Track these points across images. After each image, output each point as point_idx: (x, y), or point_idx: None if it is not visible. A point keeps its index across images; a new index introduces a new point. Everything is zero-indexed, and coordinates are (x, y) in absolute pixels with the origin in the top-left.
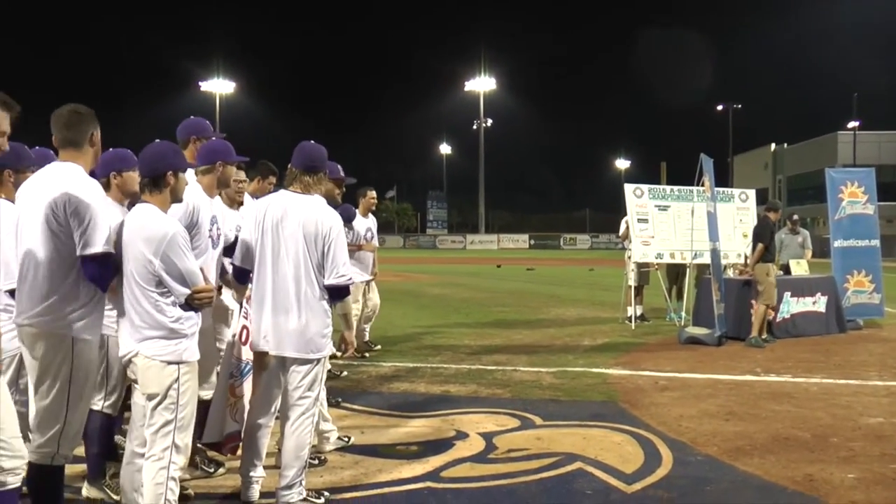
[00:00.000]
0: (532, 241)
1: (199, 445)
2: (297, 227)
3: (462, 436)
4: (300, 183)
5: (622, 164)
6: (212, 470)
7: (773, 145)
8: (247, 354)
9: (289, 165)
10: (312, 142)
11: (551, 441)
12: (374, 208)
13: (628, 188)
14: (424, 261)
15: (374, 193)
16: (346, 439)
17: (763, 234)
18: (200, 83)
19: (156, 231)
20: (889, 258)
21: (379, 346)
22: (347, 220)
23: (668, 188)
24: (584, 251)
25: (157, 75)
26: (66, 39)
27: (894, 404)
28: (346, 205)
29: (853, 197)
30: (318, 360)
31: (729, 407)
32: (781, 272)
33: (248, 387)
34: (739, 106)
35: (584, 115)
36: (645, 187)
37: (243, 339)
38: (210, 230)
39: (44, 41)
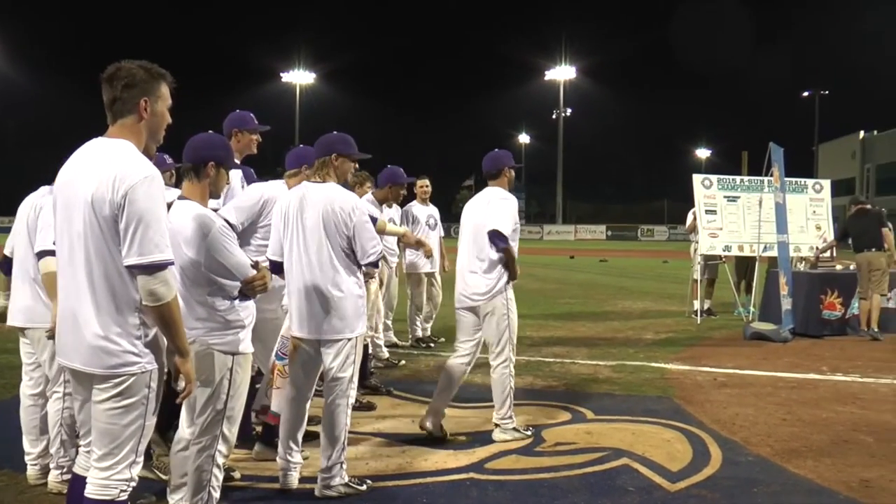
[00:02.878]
0: (609, 232)
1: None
2: (317, 214)
3: None
4: (317, 172)
5: (703, 153)
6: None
7: (861, 133)
8: None
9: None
10: (334, 132)
11: (600, 436)
12: (427, 196)
13: (697, 178)
14: None
15: (426, 181)
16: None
17: (883, 223)
18: (282, 74)
19: (195, 231)
20: None
21: (443, 339)
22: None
23: (738, 178)
24: (662, 242)
25: (239, 67)
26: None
27: None
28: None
29: None
30: (349, 340)
31: (788, 406)
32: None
33: None
34: (826, 92)
35: (665, 104)
36: (714, 178)
37: None
38: None
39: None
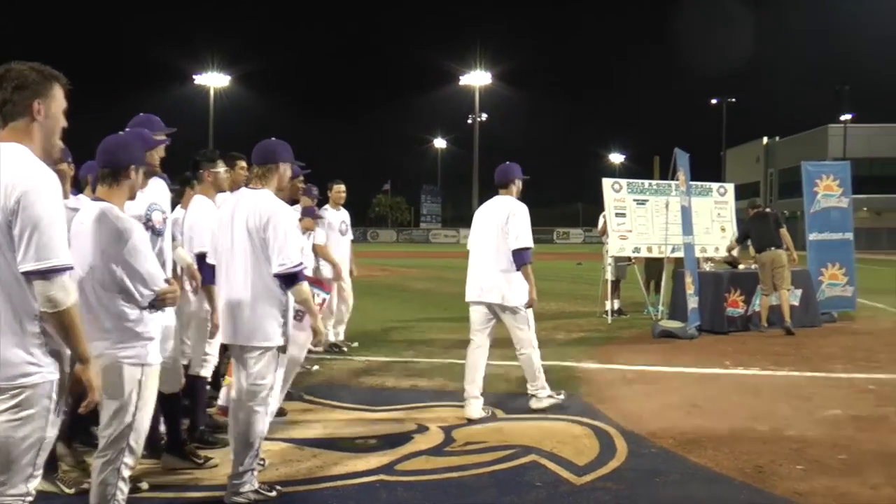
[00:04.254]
0: None
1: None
2: (243, 220)
3: (422, 429)
4: (254, 178)
5: (617, 158)
6: (201, 461)
7: (765, 139)
8: None
9: None
10: (272, 138)
11: (510, 434)
12: (342, 201)
13: (606, 182)
14: (415, 255)
15: (341, 186)
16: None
17: (781, 223)
18: (195, 76)
19: (113, 234)
20: (875, 250)
21: (356, 343)
22: (306, 215)
23: (647, 182)
24: (577, 245)
25: (150, 69)
26: (58, 31)
27: (853, 396)
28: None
29: (828, 190)
30: (268, 349)
31: (692, 400)
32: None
33: None
34: (734, 100)
35: (579, 110)
36: (623, 182)
37: None
38: None
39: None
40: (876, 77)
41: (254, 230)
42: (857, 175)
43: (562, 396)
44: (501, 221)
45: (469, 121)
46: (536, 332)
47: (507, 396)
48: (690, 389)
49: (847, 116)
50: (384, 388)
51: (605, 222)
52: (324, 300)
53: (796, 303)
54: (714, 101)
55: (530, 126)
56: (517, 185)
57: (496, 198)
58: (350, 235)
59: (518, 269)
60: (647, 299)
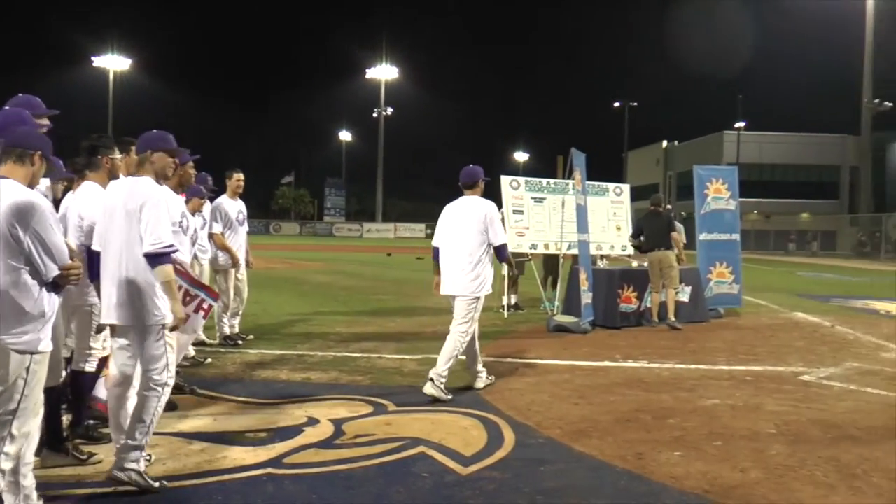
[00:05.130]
0: (428, 231)
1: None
2: (122, 205)
3: (313, 422)
4: (137, 167)
5: (521, 156)
6: (84, 458)
7: (664, 142)
8: None
9: None
10: (154, 130)
11: (400, 426)
12: (241, 191)
13: (505, 180)
14: (317, 248)
15: (241, 175)
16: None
17: (672, 226)
18: (93, 58)
19: (22, 207)
20: (763, 251)
21: (251, 336)
22: (193, 194)
23: (545, 181)
24: None
25: (46, 49)
26: None
27: (732, 387)
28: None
29: (718, 193)
30: (152, 328)
31: (581, 392)
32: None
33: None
34: (636, 104)
35: (486, 107)
36: (521, 179)
37: None
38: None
39: None
40: (767, 88)
41: (132, 213)
42: (749, 180)
43: (450, 397)
44: (478, 220)
45: (375, 115)
46: (434, 326)
47: (400, 389)
48: (580, 381)
49: (741, 124)
50: (277, 382)
51: (501, 219)
52: (210, 306)
53: (686, 299)
54: (617, 105)
55: (436, 123)
56: (482, 186)
57: (467, 198)
58: (246, 226)
59: (502, 261)
60: (543, 295)
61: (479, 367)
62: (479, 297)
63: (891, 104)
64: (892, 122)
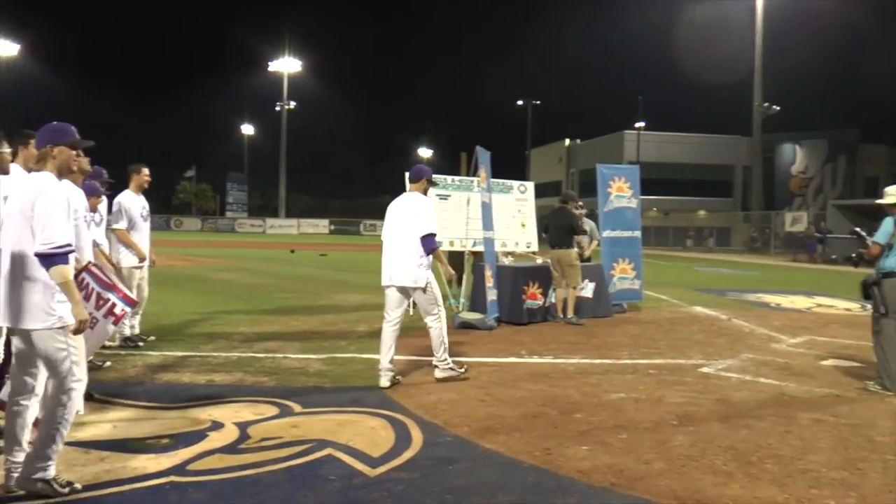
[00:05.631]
0: (332, 227)
1: None
2: (15, 201)
3: (217, 426)
4: (38, 162)
5: (425, 153)
6: None
7: (567, 140)
8: None
9: None
10: (54, 122)
11: (306, 428)
12: (147, 186)
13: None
14: (220, 244)
15: (147, 170)
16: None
17: (576, 223)
18: None
19: None
20: (663, 247)
21: (153, 337)
22: (90, 193)
23: (450, 178)
24: None
25: None
26: None
27: (636, 380)
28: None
29: (620, 191)
30: (41, 331)
31: (488, 388)
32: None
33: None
34: (538, 102)
35: (390, 103)
36: None
37: None
38: None
39: None
40: (665, 90)
41: (24, 210)
42: (648, 178)
43: (463, 370)
44: (412, 214)
45: (277, 108)
46: (338, 325)
47: (306, 390)
48: (486, 378)
49: (641, 124)
50: (180, 384)
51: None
52: (123, 312)
53: (590, 295)
54: (520, 103)
55: (340, 117)
56: (426, 183)
57: (408, 194)
58: (150, 223)
59: (429, 254)
60: (448, 292)
61: (390, 364)
62: (429, 283)
63: (778, 108)
64: (781, 125)
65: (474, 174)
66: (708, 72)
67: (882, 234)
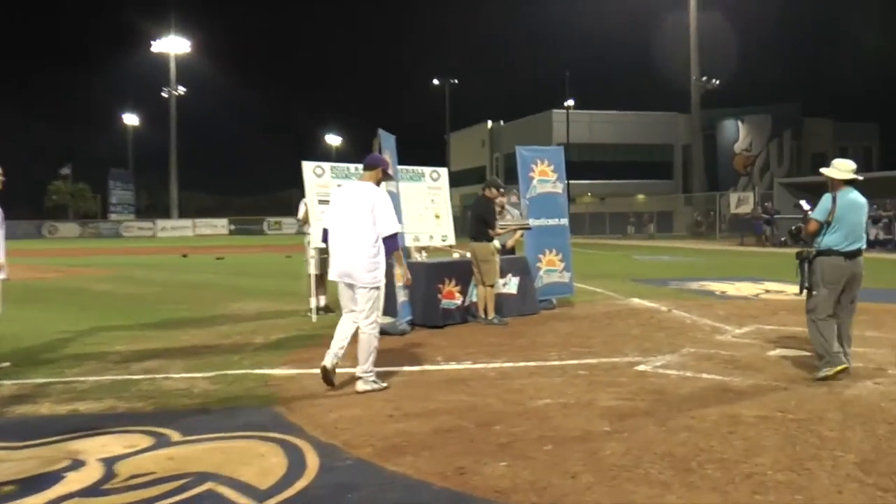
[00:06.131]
0: (232, 226)
1: None
2: None
3: (77, 465)
4: None
5: (334, 140)
6: None
7: (489, 122)
8: None
9: None
10: None
11: (185, 460)
12: (1, 188)
13: (307, 166)
14: (102, 252)
15: (1, 170)
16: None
17: (487, 214)
18: None
19: None
20: (600, 235)
21: (7, 363)
22: None
23: (353, 166)
24: (290, 236)
25: None
26: None
27: (566, 384)
28: None
29: (543, 175)
30: None
31: (397, 402)
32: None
33: None
34: (456, 81)
35: (294, 86)
36: (326, 165)
37: None
38: None
39: None
40: (594, 67)
41: None
42: (580, 160)
43: (386, 385)
44: (368, 208)
45: (164, 94)
46: (233, 337)
47: (188, 414)
48: (396, 390)
49: (570, 102)
50: (36, 417)
51: (306, 210)
52: None
53: (514, 291)
54: (436, 82)
55: (238, 104)
56: (380, 174)
57: (359, 183)
58: (4, 230)
59: (390, 255)
60: None
61: (341, 352)
62: (379, 287)
63: (717, 82)
64: (722, 100)
65: None
66: (643, 45)
67: (820, 210)
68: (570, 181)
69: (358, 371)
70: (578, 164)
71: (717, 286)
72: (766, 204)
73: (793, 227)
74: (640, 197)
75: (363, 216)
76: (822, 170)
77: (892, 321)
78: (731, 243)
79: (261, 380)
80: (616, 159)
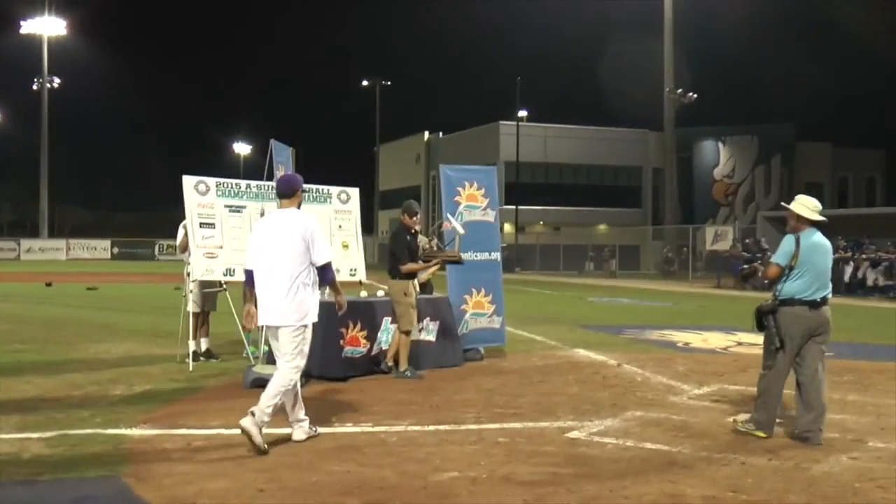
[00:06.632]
0: (116, 249)
1: None
2: None
3: None
4: None
5: (243, 148)
6: None
7: (426, 133)
8: None
9: None
10: None
11: None
12: None
13: (188, 181)
14: None
15: None
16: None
17: (397, 247)
18: None
19: None
20: (553, 271)
21: None
22: None
23: (245, 183)
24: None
25: None
26: None
27: (478, 452)
28: None
29: (472, 200)
30: None
31: (275, 471)
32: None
33: None
34: (388, 83)
35: (195, 83)
36: (211, 181)
37: None
38: None
39: None
40: (551, 73)
41: None
42: (532, 182)
43: (315, 429)
44: (298, 237)
45: (35, 86)
46: (86, 387)
47: (10, 487)
48: (274, 458)
49: (522, 113)
50: None
51: (185, 234)
52: None
53: (432, 338)
54: (366, 83)
55: (126, 101)
56: (300, 196)
57: (283, 211)
58: None
59: (326, 284)
60: (245, 337)
61: (301, 413)
62: (305, 326)
63: (695, 95)
64: (701, 117)
65: (269, 178)
66: (609, 49)
67: (782, 253)
68: (520, 206)
69: (254, 407)
70: (529, 187)
71: (680, 336)
72: (746, 241)
73: (745, 266)
74: (602, 227)
75: (294, 248)
76: (787, 205)
77: (882, 382)
78: (707, 285)
79: (112, 442)
80: (574, 182)
